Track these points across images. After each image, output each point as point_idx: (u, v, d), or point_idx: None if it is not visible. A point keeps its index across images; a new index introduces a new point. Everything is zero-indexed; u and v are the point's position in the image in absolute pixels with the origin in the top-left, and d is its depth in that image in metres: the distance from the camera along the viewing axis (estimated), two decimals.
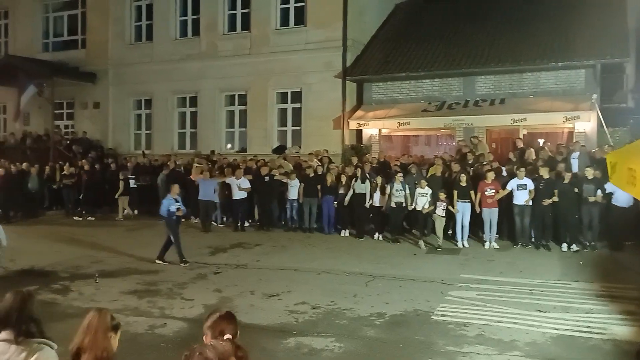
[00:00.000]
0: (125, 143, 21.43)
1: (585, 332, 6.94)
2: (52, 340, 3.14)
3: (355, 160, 15.39)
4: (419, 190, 12.36)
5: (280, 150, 18.28)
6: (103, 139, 21.53)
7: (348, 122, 17.45)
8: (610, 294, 8.53)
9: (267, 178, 14.60)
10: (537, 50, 15.85)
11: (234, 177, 14.57)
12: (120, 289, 9.12)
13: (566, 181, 11.73)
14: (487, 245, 12.07)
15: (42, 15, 23.08)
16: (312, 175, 14.04)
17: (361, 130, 17.65)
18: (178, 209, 10.83)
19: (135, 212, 17.32)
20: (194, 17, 20.33)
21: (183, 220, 11.67)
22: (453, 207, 12.17)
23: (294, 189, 14.11)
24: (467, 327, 7.20)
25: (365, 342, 6.80)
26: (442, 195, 12.03)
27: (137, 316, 7.73)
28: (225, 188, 14.88)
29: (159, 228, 15.15)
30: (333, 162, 15.50)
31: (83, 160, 18.20)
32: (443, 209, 12.05)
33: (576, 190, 11.66)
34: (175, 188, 11.23)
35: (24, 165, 17.83)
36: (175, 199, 10.95)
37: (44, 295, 8.79)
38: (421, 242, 12.32)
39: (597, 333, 6.89)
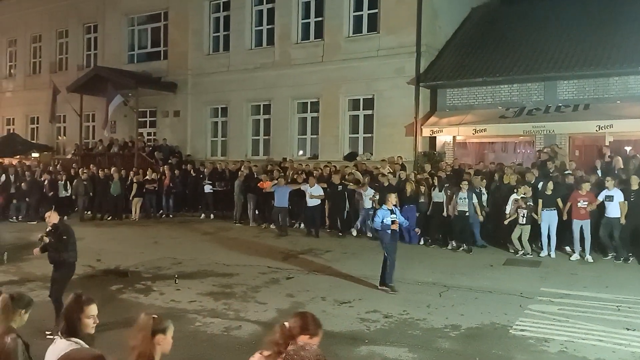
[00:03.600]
0: (202, 150, 22.23)
1: None
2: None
3: (428, 167, 15.15)
4: (513, 196, 12.10)
5: (351, 157, 18.30)
6: (182, 145, 22.44)
7: (421, 129, 17.18)
8: None
9: (340, 187, 14.70)
10: (624, 53, 14.94)
11: (308, 185, 14.77)
12: (198, 290, 9.44)
13: None
14: (573, 257, 11.44)
15: (128, 28, 24.42)
16: (386, 184, 13.79)
17: (434, 137, 17.33)
18: (394, 222, 9.49)
19: (212, 216, 17.94)
20: (269, 27, 20.82)
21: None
22: (538, 215, 11.79)
23: (368, 198, 14.03)
24: (549, 343, 6.87)
25: (440, 354, 6.64)
26: (523, 202, 11.73)
27: (214, 317, 7.97)
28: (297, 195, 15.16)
29: (233, 232, 15.70)
30: (404, 170, 15.28)
31: (165, 166, 19.07)
32: (524, 216, 11.72)
33: None
34: (392, 197, 9.95)
35: (112, 170, 18.92)
36: (391, 210, 9.62)
37: (128, 294, 9.27)
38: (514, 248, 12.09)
39: None
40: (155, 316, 3.22)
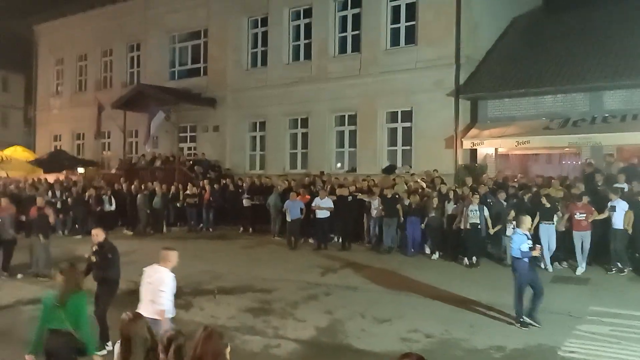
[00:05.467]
0: (241, 164, 22.46)
1: None
2: None
3: (469, 180, 14.86)
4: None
5: (390, 170, 18.13)
6: (221, 160, 22.74)
7: (461, 142, 16.87)
8: None
9: (350, 198, 15.04)
10: None
11: (318, 197, 15.13)
12: (237, 306, 9.46)
13: None
14: (579, 271, 11.41)
15: (169, 46, 25.04)
16: (389, 196, 14.14)
17: (475, 149, 17.00)
18: (532, 248, 8.36)
19: (251, 230, 18.02)
20: (306, 41, 20.95)
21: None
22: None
23: (374, 209, 14.47)
24: None
25: None
26: (512, 216, 11.82)
27: (253, 335, 7.95)
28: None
29: (272, 246, 15.71)
30: (445, 183, 15.04)
31: (205, 181, 19.32)
32: (513, 228, 11.65)
33: None
34: (527, 221, 8.67)
35: (155, 184, 19.29)
36: (526, 235, 8.44)
37: None
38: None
39: None
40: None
